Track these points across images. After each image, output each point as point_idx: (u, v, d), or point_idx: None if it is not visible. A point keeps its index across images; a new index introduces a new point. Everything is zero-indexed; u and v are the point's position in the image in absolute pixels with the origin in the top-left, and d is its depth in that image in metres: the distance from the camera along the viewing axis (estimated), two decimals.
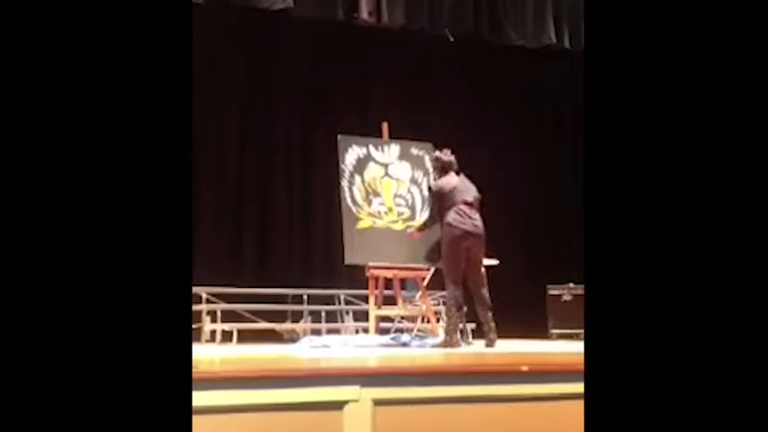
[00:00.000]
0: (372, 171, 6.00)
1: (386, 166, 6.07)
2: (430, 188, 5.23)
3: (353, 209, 5.80)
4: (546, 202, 8.60)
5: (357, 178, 5.91)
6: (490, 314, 5.08)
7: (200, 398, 2.15)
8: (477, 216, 5.03)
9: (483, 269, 5.20)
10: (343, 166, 5.92)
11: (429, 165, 6.00)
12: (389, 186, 6.04)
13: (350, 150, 5.99)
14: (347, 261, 5.69)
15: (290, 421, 2.37)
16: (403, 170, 5.94)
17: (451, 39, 7.54)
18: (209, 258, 6.83)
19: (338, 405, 2.40)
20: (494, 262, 5.81)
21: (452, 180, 5.13)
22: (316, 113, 7.89)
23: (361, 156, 6.01)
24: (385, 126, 6.20)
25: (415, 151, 6.15)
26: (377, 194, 5.94)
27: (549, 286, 7.37)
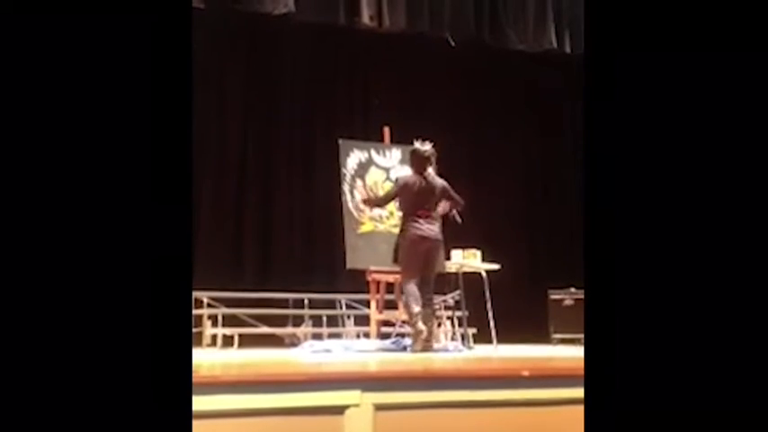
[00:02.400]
0: (374, 175, 6.01)
1: (387, 170, 6.08)
2: (397, 179, 5.27)
3: (355, 213, 5.82)
4: (547, 206, 8.59)
5: (358, 182, 5.92)
6: (433, 320, 5.13)
7: (201, 402, 2.15)
8: (433, 226, 5.02)
9: (438, 273, 5.30)
10: (344, 171, 5.92)
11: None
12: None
13: (351, 154, 6.00)
14: (349, 265, 5.70)
15: (291, 426, 2.36)
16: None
17: (452, 43, 7.54)
18: (211, 262, 6.83)
19: (339, 410, 2.40)
20: (495, 266, 5.80)
21: (418, 181, 5.03)
22: (317, 118, 7.90)
23: (363, 160, 6.03)
24: (386, 130, 6.21)
25: None
26: None
27: (550, 291, 7.36)
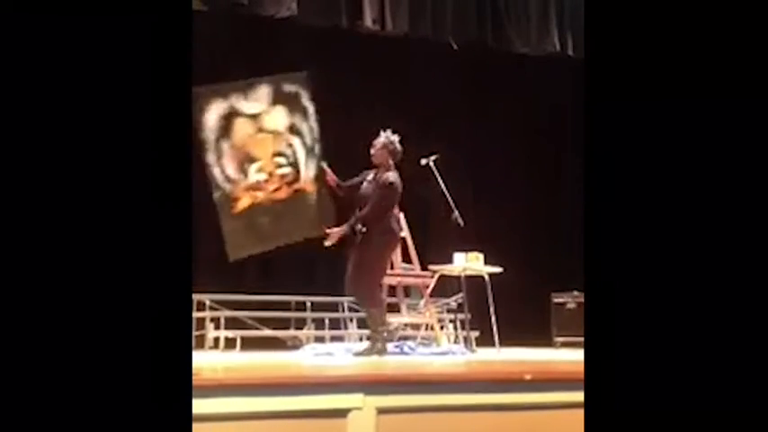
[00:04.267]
0: (241, 129, 4.56)
1: (256, 117, 4.63)
2: (390, 183, 4.74)
3: (227, 188, 4.58)
4: (550, 209, 8.59)
5: (224, 145, 4.52)
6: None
7: (203, 405, 2.15)
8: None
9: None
10: (203, 135, 4.42)
11: (307, 103, 4.76)
12: (266, 144, 4.69)
13: (210, 109, 4.46)
14: (232, 257, 4.72)
15: (294, 429, 2.37)
16: (278, 118, 4.66)
17: (454, 46, 7.55)
18: (213, 265, 6.83)
19: (342, 413, 2.40)
20: (498, 269, 5.80)
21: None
22: (320, 120, 7.88)
23: (224, 112, 4.52)
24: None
25: (288, 88, 4.73)
26: (252, 159, 4.63)
27: (553, 294, 7.35)
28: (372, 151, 4.83)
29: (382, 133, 4.89)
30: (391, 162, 4.85)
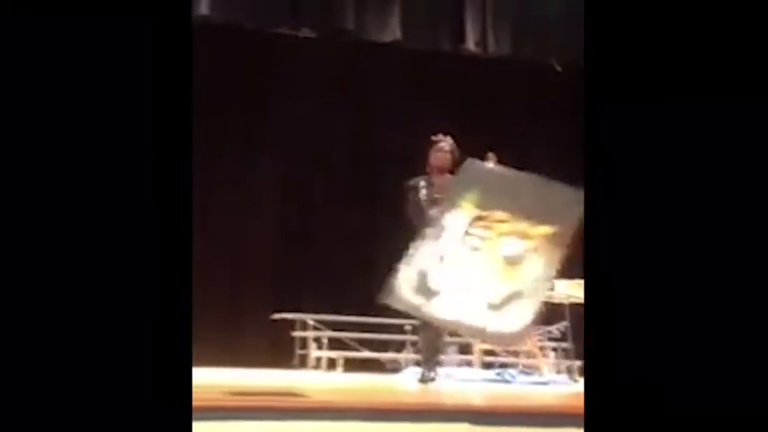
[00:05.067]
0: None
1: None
2: None
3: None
4: None
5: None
6: None
7: (311, 428, 2.18)
8: None
9: None
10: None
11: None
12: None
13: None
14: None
15: None
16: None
17: (558, 68, 7.44)
18: (316, 285, 6.95)
19: None
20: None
21: None
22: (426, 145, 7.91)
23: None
24: (491, 156, 5.84)
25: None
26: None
27: None
28: (439, 154, 4.62)
29: (441, 136, 4.72)
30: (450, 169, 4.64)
